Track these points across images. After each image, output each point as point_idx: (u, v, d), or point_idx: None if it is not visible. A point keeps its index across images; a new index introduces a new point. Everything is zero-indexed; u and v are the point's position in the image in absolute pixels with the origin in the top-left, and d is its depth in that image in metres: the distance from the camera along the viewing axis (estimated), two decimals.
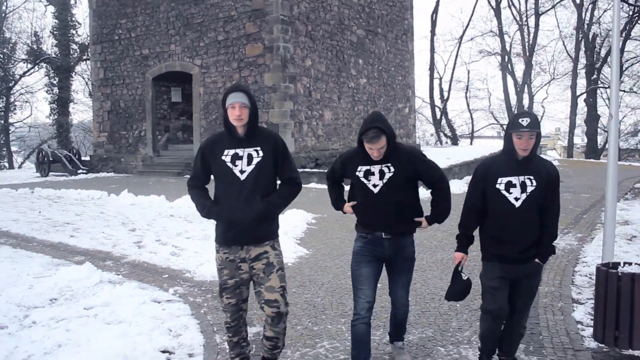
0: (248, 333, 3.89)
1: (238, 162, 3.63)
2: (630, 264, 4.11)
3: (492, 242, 3.78)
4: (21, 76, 37.13)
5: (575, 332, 4.66)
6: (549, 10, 33.53)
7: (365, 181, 3.84)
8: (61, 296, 5.89)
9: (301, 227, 9.20)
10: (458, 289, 3.91)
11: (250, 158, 3.63)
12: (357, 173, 3.86)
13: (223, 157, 3.65)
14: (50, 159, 21.57)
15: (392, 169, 3.80)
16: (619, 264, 4.15)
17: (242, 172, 3.62)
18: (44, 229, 9.69)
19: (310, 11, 18.16)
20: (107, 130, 21.83)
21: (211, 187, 3.78)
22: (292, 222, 9.09)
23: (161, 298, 5.78)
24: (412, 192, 3.94)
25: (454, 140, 39.79)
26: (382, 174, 3.81)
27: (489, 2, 36.69)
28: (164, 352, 4.46)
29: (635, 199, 13.53)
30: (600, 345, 4.30)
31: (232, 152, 3.64)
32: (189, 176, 3.93)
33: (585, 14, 32.60)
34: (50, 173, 21.51)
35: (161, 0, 19.52)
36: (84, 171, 21.22)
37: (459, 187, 15.28)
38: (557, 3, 32.84)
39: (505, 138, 3.78)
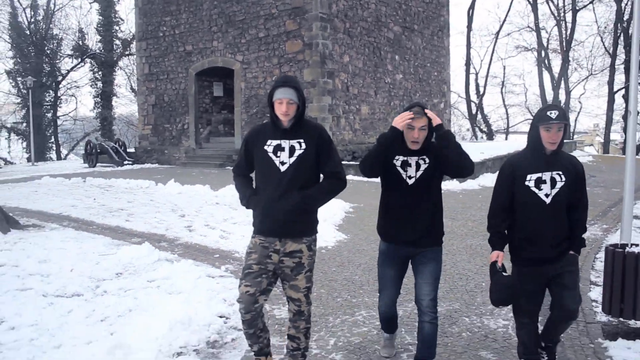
0: (265, 324, 3.77)
1: (280, 153, 3.58)
2: (637, 245, 4.58)
3: (524, 243, 3.72)
4: (69, 71, 38.48)
5: (589, 308, 5.15)
6: (587, 5, 33.25)
7: (401, 171, 3.75)
8: (125, 271, 6.59)
9: (340, 215, 9.79)
10: (501, 288, 3.62)
11: (292, 150, 3.58)
12: (394, 161, 3.77)
13: (265, 148, 3.61)
14: (98, 150, 22.58)
15: (428, 161, 3.74)
16: (626, 244, 4.62)
17: (282, 163, 3.57)
18: (101, 214, 10.47)
19: (348, 9, 18.69)
20: (151, 123, 22.74)
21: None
22: (332, 211, 9.67)
23: (214, 274, 6.44)
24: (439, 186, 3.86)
25: (490, 135, 39.83)
26: (418, 165, 3.73)
27: None
28: (221, 317, 5.11)
29: None
30: (610, 319, 4.79)
31: (275, 142, 3.60)
32: (230, 167, 4.14)
33: (625, 9, 32.26)
34: (97, 164, 22.52)
35: None
36: (130, 162, 22.18)
37: (491, 179, 15.66)
38: (591, 1, 32.60)
39: (531, 132, 3.73)
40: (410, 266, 3.93)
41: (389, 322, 4.07)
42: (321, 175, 3.74)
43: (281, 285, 3.73)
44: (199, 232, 8.77)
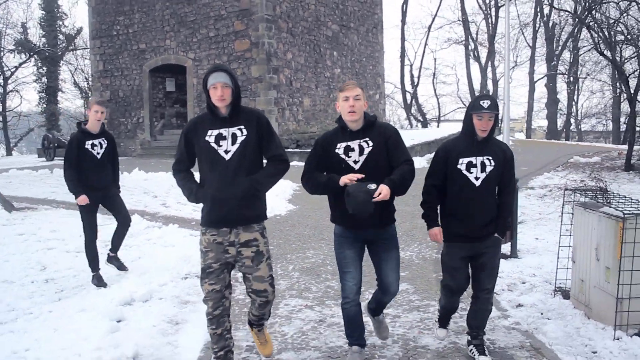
0: (232, 324, 3.82)
1: (222, 142, 3.58)
2: None
3: (454, 220, 3.95)
4: (17, 67, 38.75)
5: None
6: (505, 4, 36.08)
7: (345, 157, 3.74)
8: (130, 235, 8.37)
9: (289, 192, 11.75)
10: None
11: (234, 137, 3.59)
12: (336, 150, 3.76)
13: (207, 138, 3.59)
14: (56, 144, 23.75)
15: (371, 144, 3.75)
16: None
17: (226, 152, 3.57)
18: None
19: (291, 10, 20.58)
20: (107, 117, 24.03)
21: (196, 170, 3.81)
22: (282, 188, 11.62)
23: (197, 234, 8.29)
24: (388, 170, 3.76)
25: (424, 123, 42.39)
26: (361, 149, 3.74)
27: None
28: None
29: (559, 171, 16.31)
30: None
31: (215, 132, 3.59)
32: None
33: (540, 6, 35.23)
34: (55, 157, 23.70)
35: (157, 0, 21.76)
36: None
37: (419, 162, 18.01)
38: None
39: (465, 119, 3.98)
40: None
41: (354, 321, 3.90)
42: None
43: (243, 282, 3.77)
44: (173, 208, 10.57)
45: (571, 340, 4.46)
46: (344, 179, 3.57)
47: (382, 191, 3.46)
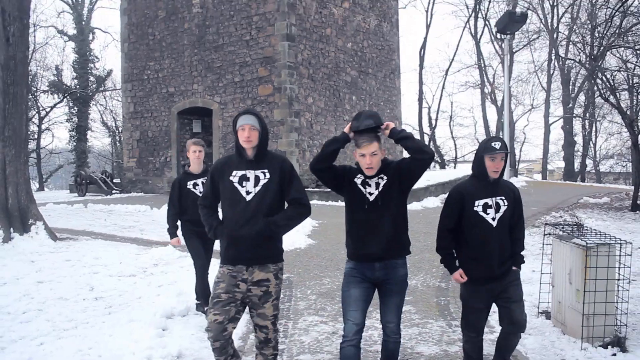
0: (235, 349, 3.92)
1: (245, 183, 3.74)
2: None
3: (473, 263, 4.06)
4: (52, 107, 40.39)
5: None
6: (521, 49, 37.13)
7: (362, 189, 3.87)
8: (160, 262, 9.29)
9: (309, 228, 12.64)
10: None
11: (257, 180, 3.75)
12: (355, 180, 3.90)
13: (231, 178, 3.78)
14: (87, 181, 25.02)
15: (385, 178, 3.87)
16: None
17: (248, 192, 3.73)
18: (117, 230, 13.12)
19: (312, 57, 21.80)
20: (135, 156, 25.32)
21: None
22: (302, 224, 12.49)
23: None
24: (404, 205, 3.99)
25: (442, 164, 43.27)
26: (377, 184, 3.87)
27: (473, 38, 40.49)
28: None
29: (567, 211, 17.02)
30: None
31: (240, 173, 3.78)
32: None
33: (557, 49, 36.24)
34: (87, 193, 24.92)
35: (185, 47, 23.14)
36: (117, 191, 24.69)
37: (433, 202, 18.91)
38: (526, 45, 36.56)
39: (476, 162, 4.11)
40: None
41: None
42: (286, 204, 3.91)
43: (249, 313, 3.91)
44: None
45: (545, 351, 5.25)
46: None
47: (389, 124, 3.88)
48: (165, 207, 16.84)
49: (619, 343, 5.21)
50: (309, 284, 7.81)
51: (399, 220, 3.91)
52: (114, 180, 26.04)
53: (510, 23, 9.19)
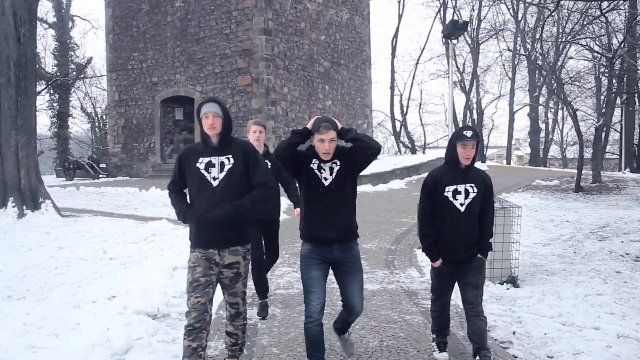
0: (207, 344, 3.96)
1: (211, 170, 3.85)
2: None
3: (441, 244, 4.27)
4: (37, 94, 40.93)
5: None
6: (485, 40, 38.98)
7: (318, 174, 3.99)
8: (157, 233, 10.90)
9: (284, 205, 14.32)
10: None
11: (222, 165, 3.86)
12: (311, 165, 4.01)
13: (198, 165, 3.87)
14: (75, 166, 26.40)
15: (339, 163, 4.00)
16: None
17: (214, 178, 3.84)
18: (113, 208, 14.70)
19: (287, 50, 23.40)
20: (121, 142, 26.76)
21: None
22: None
23: None
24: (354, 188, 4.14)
25: (413, 150, 45.17)
26: (331, 169, 4.00)
27: (458, 18, 42.08)
28: None
29: (519, 192, 18.97)
30: None
31: (206, 160, 3.87)
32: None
33: (519, 41, 38.13)
34: (74, 178, 26.31)
35: (168, 39, 24.58)
36: (104, 175, 26.13)
37: (398, 184, 20.73)
38: (493, 35, 38.43)
39: (449, 149, 4.28)
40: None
41: (316, 341, 4.00)
42: None
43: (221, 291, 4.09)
44: None
45: None
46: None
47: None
48: (152, 189, 18.44)
49: (512, 281, 7.06)
50: (284, 247, 9.53)
51: (351, 204, 4.10)
52: (100, 165, 27.41)
53: (455, 30, 10.89)
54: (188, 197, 4.02)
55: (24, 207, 12.29)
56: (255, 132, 5.78)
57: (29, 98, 12.43)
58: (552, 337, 5.16)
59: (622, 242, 9.82)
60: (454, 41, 11.07)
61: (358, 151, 3.96)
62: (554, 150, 54.02)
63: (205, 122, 3.82)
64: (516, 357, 4.71)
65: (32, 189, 12.52)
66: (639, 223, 11.64)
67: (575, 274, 7.72)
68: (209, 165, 3.87)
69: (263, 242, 5.89)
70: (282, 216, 12.67)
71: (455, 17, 36.90)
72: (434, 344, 4.59)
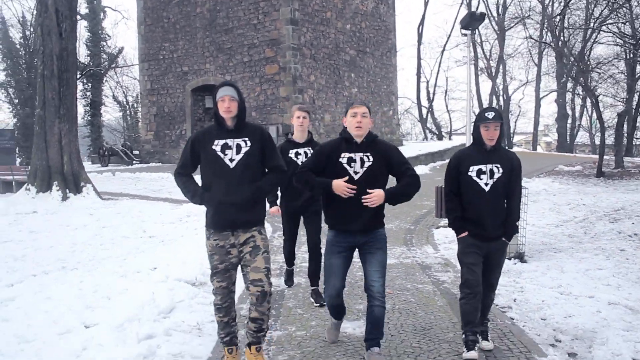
0: (237, 314, 4.20)
1: (228, 152, 3.85)
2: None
3: (468, 223, 4.31)
4: (77, 85, 42.13)
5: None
6: (512, 26, 38.98)
7: (348, 167, 4.03)
8: (192, 214, 11.67)
9: None
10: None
11: (239, 148, 3.87)
12: (340, 160, 4.05)
13: (213, 147, 3.87)
14: (109, 153, 27.42)
15: (371, 159, 4.05)
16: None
17: (231, 160, 3.85)
18: (149, 192, 15.53)
19: (314, 39, 23.98)
20: (153, 129, 27.68)
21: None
22: None
23: None
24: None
25: (439, 136, 45.42)
26: (362, 162, 4.05)
27: (475, 10, 42.10)
28: None
29: (541, 177, 19.34)
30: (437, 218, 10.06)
31: (222, 142, 3.87)
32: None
33: (545, 26, 38.05)
34: (109, 164, 27.34)
35: (198, 29, 25.32)
36: (138, 162, 27.10)
37: (422, 170, 21.26)
38: (520, 20, 38.38)
39: (474, 131, 4.32)
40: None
41: (337, 309, 4.34)
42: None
43: (242, 277, 4.02)
44: None
45: None
46: (340, 189, 3.95)
47: (374, 196, 3.93)
48: None
49: (520, 257, 7.61)
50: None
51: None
52: (134, 152, 28.38)
53: (472, 21, 11.31)
54: (200, 181, 4.00)
55: (67, 191, 13.15)
56: (299, 117, 5.65)
57: (70, 89, 13.26)
58: (549, 303, 5.72)
59: (632, 223, 10.24)
60: (469, 32, 11.45)
61: (398, 178, 4.11)
62: (583, 137, 53.73)
63: (221, 105, 3.85)
64: (513, 319, 5.29)
65: (74, 174, 13.38)
66: None
67: (582, 251, 8.23)
68: (225, 147, 3.87)
69: (305, 233, 5.90)
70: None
71: (474, 8, 37.03)
72: (462, 342, 4.32)
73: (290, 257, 6.19)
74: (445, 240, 8.97)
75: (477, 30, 44.83)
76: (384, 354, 4.21)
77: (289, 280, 6.38)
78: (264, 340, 4.13)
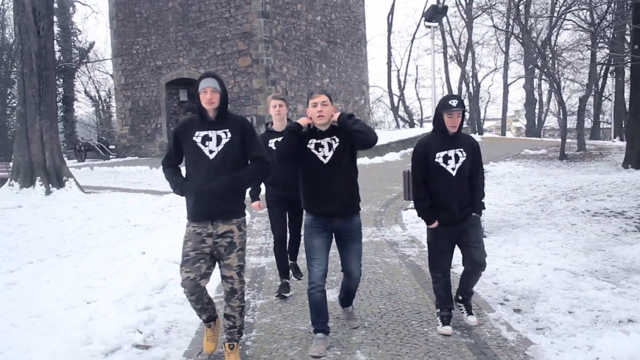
0: (210, 297, 4.15)
1: (208, 143, 3.89)
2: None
3: (436, 209, 4.45)
4: (56, 82, 41.97)
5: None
6: (479, 15, 39.73)
7: (316, 153, 4.17)
8: (173, 205, 12.15)
9: None
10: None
11: (219, 139, 3.90)
12: (308, 146, 4.21)
13: (194, 138, 3.91)
14: (86, 148, 27.66)
15: (338, 140, 4.21)
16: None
17: (211, 152, 3.88)
18: (129, 185, 15.96)
19: (285, 31, 24.49)
20: (128, 124, 27.98)
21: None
22: None
23: None
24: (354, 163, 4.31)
25: (411, 124, 46.27)
26: (330, 145, 4.20)
27: (438, 2, 43.04)
28: None
29: (506, 161, 20.18)
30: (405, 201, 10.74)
31: (202, 133, 3.91)
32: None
33: (512, 14, 38.98)
34: (85, 159, 27.58)
35: (170, 23, 25.65)
36: (114, 156, 27.39)
37: (393, 157, 21.94)
38: (487, 9, 39.15)
39: (436, 118, 4.46)
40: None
41: (319, 307, 4.23)
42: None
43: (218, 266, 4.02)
44: None
45: None
46: (303, 121, 4.27)
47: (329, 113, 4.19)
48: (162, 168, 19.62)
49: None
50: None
51: (352, 180, 4.32)
52: (110, 147, 28.65)
53: (435, 14, 11.99)
54: (184, 172, 4.06)
55: (50, 185, 13.58)
56: (275, 106, 5.56)
57: (50, 86, 13.66)
58: (501, 271, 6.43)
59: (586, 201, 11.06)
60: (433, 24, 12.10)
61: (355, 140, 4.20)
62: (552, 121, 55.07)
63: (203, 96, 3.88)
64: None
65: (56, 169, 13.79)
66: (609, 186, 12.85)
67: (537, 227, 8.99)
68: (206, 138, 3.91)
69: (288, 221, 5.65)
70: None
71: (437, 4, 37.82)
72: (438, 318, 4.64)
73: (282, 263, 5.64)
74: (412, 221, 9.64)
75: (446, 18, 45.72)
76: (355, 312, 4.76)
77: (285, 290, 5.61)
78: (239, 337, 4.10)
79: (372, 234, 8.64)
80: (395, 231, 8.90)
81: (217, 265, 4.03)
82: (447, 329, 4.48)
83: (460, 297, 4.77)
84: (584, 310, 5.06)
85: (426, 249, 5.96)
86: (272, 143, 5.42)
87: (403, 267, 6.61)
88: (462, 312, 4.75)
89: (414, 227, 9.21)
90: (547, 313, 4.99)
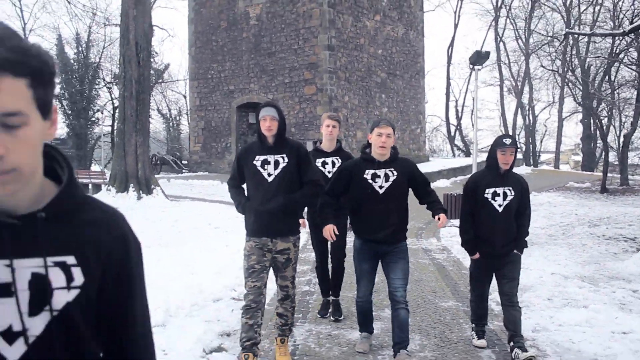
0: (262, 322, 4.28)
1: (267, 167, 4.20)
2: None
3: (480, 241, 4.68)
4: (150, 104, 44.94)
5: None
6: (535, 50, 40.91)
7: (372, 183, 4.38)
8: None
9: None
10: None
11: (277, 163, 4.20)
12: (364, 176, 4.40)
13: (254, 162, 4.22)
14: (161, 162, 30.35)
15: (395, 173, 4.41)
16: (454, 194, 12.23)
17: (269, 175, 4.19)
18: (205, 196, 18.20)
19: (348, 63, 26.62)
20: (200, 142, 30.57)
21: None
22: None
23: None
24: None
25: (467, 153, 47.41)
26: (387, 177, 4.39)
27: (497, 37, 44.41)
28: None
29: (550, 192, 21.49)
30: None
31: (262, 158, 4.22)
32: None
33: (567, 50, 39.96)
34: (160, 172, 30.24)
35: (244, 52, 28.18)
36: (187, 170, 29.98)
37: (444, 183, 23.54)
38: (546, 43, 40.33)
39: (489, 155, 4.66)
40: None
41: (366, 314, 4.69)
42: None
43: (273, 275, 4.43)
44: None
45: None
46: (326, 233, 4.49)
47: (442, 218, 4.34)
48: None
49: None
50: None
51: (403, 211, 4.50)
52: (183, 162, 31.25)
53: (479, 58, 13.69)
54: (246, 192, 4.39)
55: (141, 192, 15.93)
56: (329, 126, 5.57)
57: (145, 108, 16.09)
58: None
59: (606, 228, 12.48)
60: (478, 67, 13.83)
61: (417, 192, 4.59)
62: (611, 157, 55.05)
63: (263, 124, 4.17)
64: None
65: (146, 178, 16.17)
66: (638, 217, 14.11)
67: (552, 245, 10.56)
68: (265, 162, 4.19)
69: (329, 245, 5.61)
70: None
71: (501, 31, 39.05)
72: (473, 332, 5.04)
73: (324, 281, 5.76)
74: (448, 235, 11.37)
75: (505, 51, 47.20)
76: (412, 356, 4.54)
77: (324, 310, 5.82)
78: (289, 333, 4.59)
79: (411, 243, 10.35)
80: (432, 242, 10.65)
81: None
82: (482, 342, 4.93)
83: (512, 343, 4.65)
84: (560, 298, 6.73)
85: (454, 254, 7.83)
86: (319, 162, 5.47)
87: (431, 266, 8.39)
88: (517, 354, 4.52)
89: (448, 239, 10.93)
90: (531, 298, 6.69)
